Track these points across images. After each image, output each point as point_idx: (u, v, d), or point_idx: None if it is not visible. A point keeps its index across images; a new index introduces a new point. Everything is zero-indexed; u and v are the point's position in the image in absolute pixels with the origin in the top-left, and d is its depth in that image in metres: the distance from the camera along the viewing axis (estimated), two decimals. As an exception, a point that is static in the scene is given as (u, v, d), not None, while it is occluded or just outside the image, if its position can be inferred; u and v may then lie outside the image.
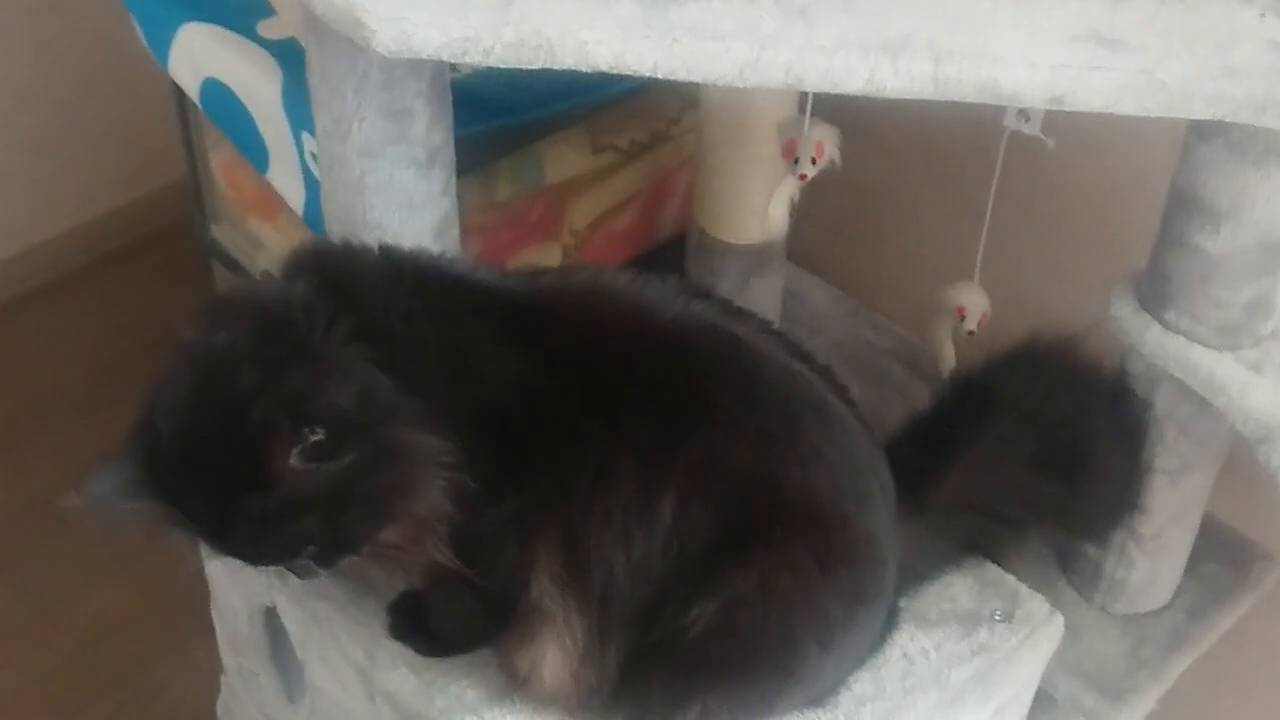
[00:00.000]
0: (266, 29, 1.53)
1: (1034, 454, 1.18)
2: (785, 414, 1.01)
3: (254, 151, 1.52)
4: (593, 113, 1.57)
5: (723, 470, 0.98)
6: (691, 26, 0.91)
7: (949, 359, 1.56)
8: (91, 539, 1.92)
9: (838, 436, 1.04)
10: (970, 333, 1.49)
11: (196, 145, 1.80)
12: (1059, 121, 1.37)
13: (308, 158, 1.42)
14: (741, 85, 0.91)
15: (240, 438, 0.87)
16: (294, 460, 0.87)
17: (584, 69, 0.92)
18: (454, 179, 1.21)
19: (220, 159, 1.76)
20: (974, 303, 1.48)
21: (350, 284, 0.98)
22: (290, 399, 0.87)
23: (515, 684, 1.06)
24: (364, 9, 0.92)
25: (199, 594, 1.40)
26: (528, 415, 0.97)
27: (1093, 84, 0.89)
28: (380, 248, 1.04)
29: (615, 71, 0.92)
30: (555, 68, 0.92)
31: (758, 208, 1.45)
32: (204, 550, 1.31)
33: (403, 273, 1.01)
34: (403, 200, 1.16)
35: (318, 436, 0.87)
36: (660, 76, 0.91)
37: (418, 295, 0.98)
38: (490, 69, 1.51)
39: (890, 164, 1.70)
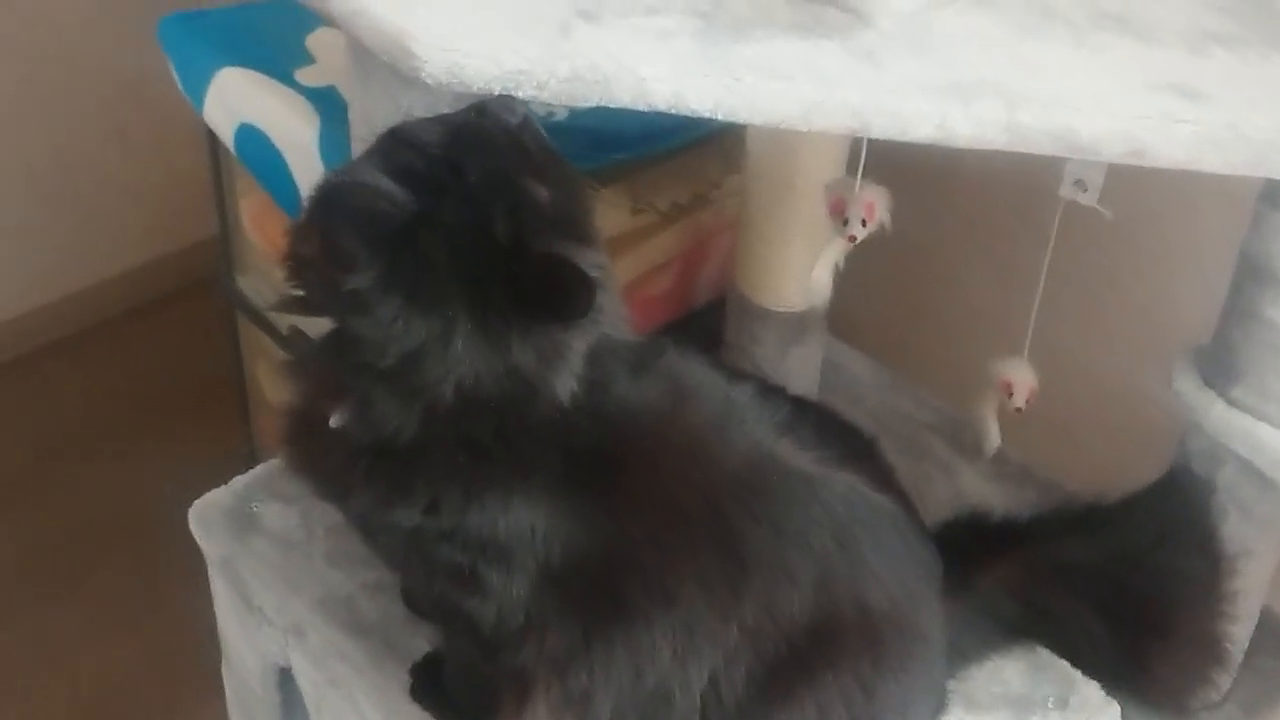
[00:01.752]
0: (305, 76, 1.51)
1: (1103, 577, 1.12)
2: (842, 543, 0.95)
3: (287, 197, 1.49)
4: (633, 171, 1.53)
5: (777, 625, 0.93)
6: (754, 65, 0.87)
7: (993, 435, 1.50)
8: (103, 590, 1.91)
9: (890, 542, 0.99)
10: (1018, 409, 1.44)
11: (227, 194, 1.77)
12: (1116, 192, 1.33)
13: (342, 205, 1.38)
14: (805, 128, 0.87)
15: None
16: None
17: (640, 107, 0.88)
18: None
19: (251, 208, 1.74)
20: (1022, 379, 1.43)
21: None
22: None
23: None
24: (413, 37, 0.89)
25: (209, 655, 1.35)
26: (572, 561, 0.91)
27: (1175, 136, 0.85)
28: None
29: (673, 110, 0.88)
30: (610, 105, 0.89)
31: (800, 273, 1.41)
32: (217, 602, 1.27)
33: None
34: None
35: None
36: (720, 117, 0.88)
37: None
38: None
39: (937, 232, 1.66)
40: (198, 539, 1.23)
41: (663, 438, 0.93)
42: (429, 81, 0.89)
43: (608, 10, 0.93)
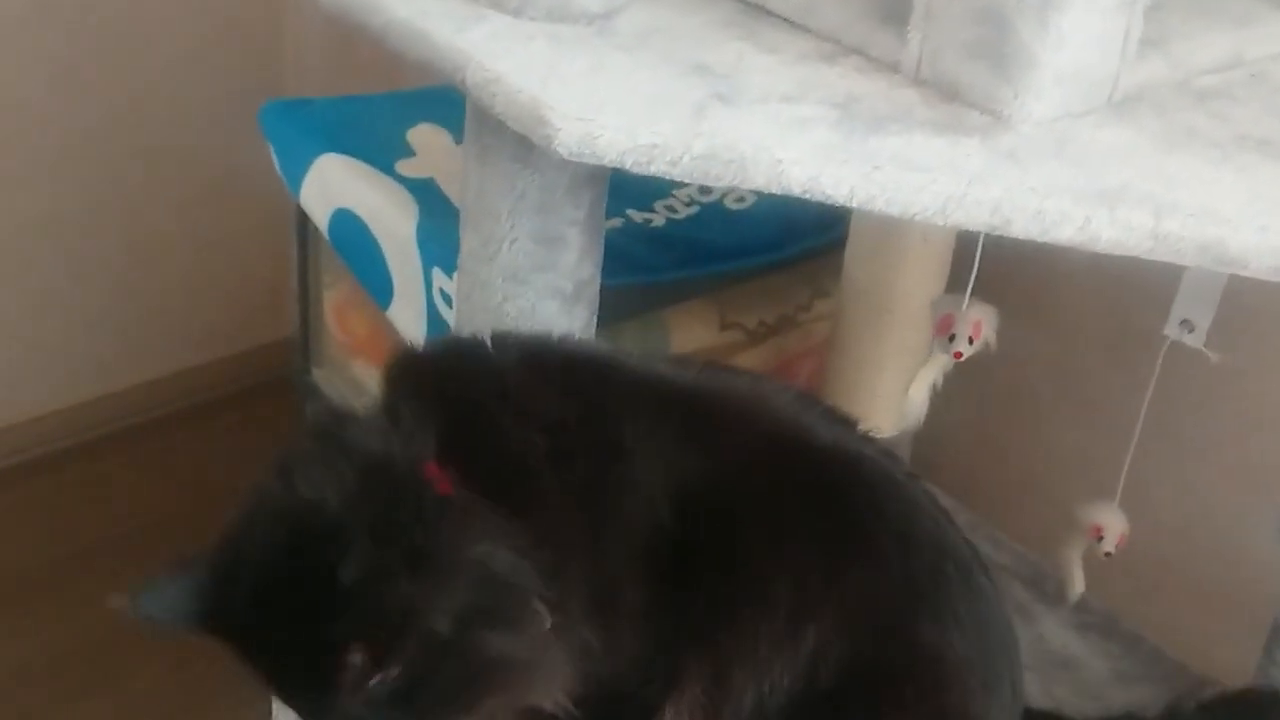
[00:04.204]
0: (405, 168, 1.51)
1: None
2: (932, 568, 0.95)
3: (378, 285, 1.48)
4: (723, 287, 1.52)
5: (869, 610, 0.92)
6: (893, 156, 0.86)
7: (1078, 581, 1.46)
8: (143, 691, 1.85)
9: (977, 607, 0.97)
10: (1108, 554, 1.39)
11: (311, 285, 1.77)
12: (1222, 335, 1.30)
13: (436, 295, 1.37)
14: (942, 222, 0.85)
15: (319, 636, 0.76)
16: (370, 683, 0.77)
17: (774, 190, 0.86)
18: (595, 321, 1.15)
19: (334, 299, 1.73)
20: (1113, 523, 1.39)
21: (472, 405, 0.88)
22: (380, 622, 0.76)
23: None
24: (549, 106, 0.88)
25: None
26: (687, 529, 0.88)
27: (1326, 255, 0.82)
28: (504, 342, 0.95)
29: (808, 196, 0.86)
30: (743, 186, 0.87)
31: (892, 399, 1.38)
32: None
33: (545, 372, 0.92)
34: (542, 333, 1.10)
35: (396, 670, 0.77)
36: (855, 205, 0.86)
37: (571, 396, 0.90)
38: (629, 225, 1.50)
39: (1027, 370, 1.64)
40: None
41: None
42: (561, 152, 0.87)
43: (744, 96, 0.92)
